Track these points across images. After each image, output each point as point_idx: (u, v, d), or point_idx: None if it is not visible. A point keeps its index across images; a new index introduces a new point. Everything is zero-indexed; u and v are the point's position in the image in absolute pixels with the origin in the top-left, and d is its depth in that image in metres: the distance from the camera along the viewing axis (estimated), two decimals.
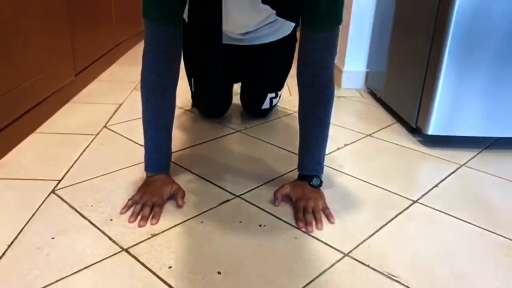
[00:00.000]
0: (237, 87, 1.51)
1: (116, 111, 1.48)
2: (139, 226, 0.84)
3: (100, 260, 0.73)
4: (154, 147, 0.94)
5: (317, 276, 0.71)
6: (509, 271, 0.75)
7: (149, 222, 0.85)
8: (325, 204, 0.92)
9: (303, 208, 0.89)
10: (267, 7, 0.86)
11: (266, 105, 1.45)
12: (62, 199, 0.92)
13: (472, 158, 1.24)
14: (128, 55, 2.41)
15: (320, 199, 0.92)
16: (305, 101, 0.94)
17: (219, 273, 0.71)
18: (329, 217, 0.89)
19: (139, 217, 0.86)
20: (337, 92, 1.85)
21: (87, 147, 1.19)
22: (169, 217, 0.87)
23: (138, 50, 2.54)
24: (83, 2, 1.72)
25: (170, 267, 0.72)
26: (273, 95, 1.43)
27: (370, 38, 1.83)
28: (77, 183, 0.99)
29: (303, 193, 0.92)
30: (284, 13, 0.85)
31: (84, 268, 0.71)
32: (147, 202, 0.88)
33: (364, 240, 0.82)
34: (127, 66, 2.08)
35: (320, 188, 0.95)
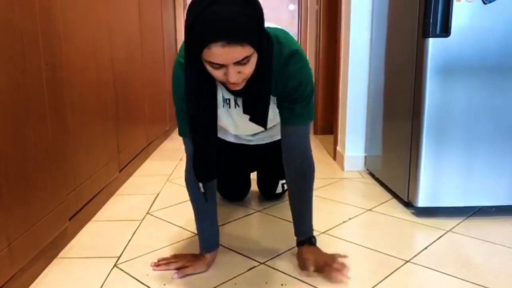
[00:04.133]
0: (253, 175, 1.80)
1: (155, 200, 1.76)
2: (155, 266, 1.16)
3: None
4: (201, 231, 1.19)
5: None
6: None
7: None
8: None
9: (323, 263, 1.11)
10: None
11: (279, 189, 1.72)
12: (123, 271, 1.17)
13: (457, 225, 1.46)
14: (158, 150, 2.78)
15: (324, 253, 1.15)
16: (293, 180, 1.18)
17: None
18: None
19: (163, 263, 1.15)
20: (340, 174, 2.13)
21: (136, 230, 1.46)
22: (211, 279, 1.11)
23: (166, 147, 2.92)
24: (127, 108, 2.10)
25: None
26: (284, 181, 1.71)
27: (365, 128, 2.15)
28: (133, 258, 1.24)
29: (315, 254, 1.14)
30: (254, 121, 1.08)
31: None
32: (181, 260, 1.15)
33: None
34: (159, 161, 2.42)
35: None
